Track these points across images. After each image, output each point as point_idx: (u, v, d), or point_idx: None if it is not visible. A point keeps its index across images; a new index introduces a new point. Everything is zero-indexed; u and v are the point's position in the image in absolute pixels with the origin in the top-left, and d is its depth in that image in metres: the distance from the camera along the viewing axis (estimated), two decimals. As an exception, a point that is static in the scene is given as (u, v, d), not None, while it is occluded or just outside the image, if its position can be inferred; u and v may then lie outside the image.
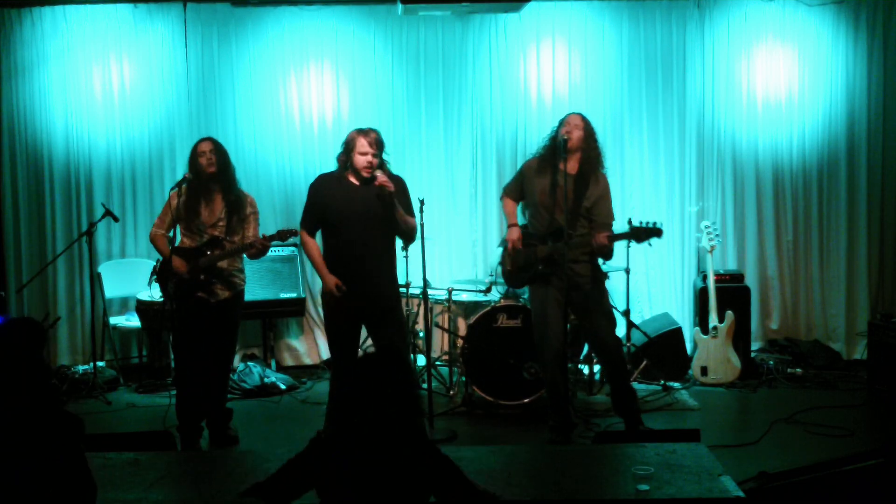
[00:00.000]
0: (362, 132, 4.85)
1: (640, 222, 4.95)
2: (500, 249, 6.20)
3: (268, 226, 6.33)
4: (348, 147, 4.86)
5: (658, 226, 4.91)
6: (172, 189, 5.09)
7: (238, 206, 5.13)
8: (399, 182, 4.97)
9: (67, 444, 2.67)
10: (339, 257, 4.89)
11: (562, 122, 5.17)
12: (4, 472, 2.57)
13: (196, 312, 5.05)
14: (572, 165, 5.08)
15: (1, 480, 2.57)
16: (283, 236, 5.00)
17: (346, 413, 2.65)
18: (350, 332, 4.97)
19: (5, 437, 2.60)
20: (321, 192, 4.93)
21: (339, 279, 4.84)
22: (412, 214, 5.00)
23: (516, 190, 5.30)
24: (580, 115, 5.21)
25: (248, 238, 5.07)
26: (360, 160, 4.81)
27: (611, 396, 5.32)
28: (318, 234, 5.06)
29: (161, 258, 5.17)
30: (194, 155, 5.11)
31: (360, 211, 4.81)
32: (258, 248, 4.99)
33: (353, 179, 4.88)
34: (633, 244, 5.29)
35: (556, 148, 5.09)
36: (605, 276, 5.46)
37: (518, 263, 5.19)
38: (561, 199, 4.93)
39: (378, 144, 4.83)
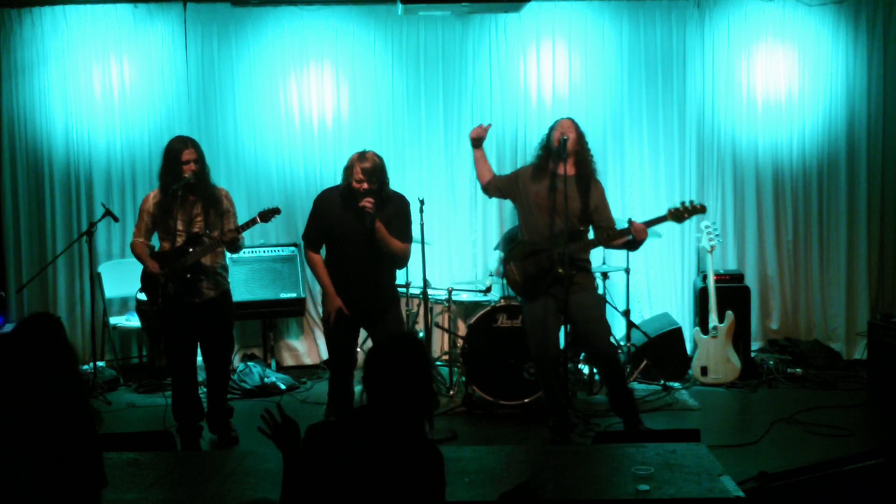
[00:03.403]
0: (361, 157, 4.79)
1: (682, 203, 5.02)
2: (497, 254, 6.20)
3: (269, 225, 6.32)
4: (347, 171, 4.83)
5: (698, 204, 4.99)
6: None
7: (214, 201, 5.10)
8: (399, 203, 4.95)
9: (84, 437, 2.68)
10: (338, 271, 4.94)
11: (553, 128, 5.17)
12: (20, 467, 2.58)
13: (186, 315, 5.02)
14: (569, 168, 5.07)
15: (16, 475, 2.58)
16: (265, 217, 5.00)
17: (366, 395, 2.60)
18: (348, 335, 5.00)
19: (21, 432, 2.62)
20: (323, 209, 4.95)
21: (337, 290, 4.88)
22: (408, 238, 4.97)
23: (503, 179, 5.31)
24: (571, 119, 5.22)
25: (228, 230, 5.03)
26: (355, 186, 4.79)
27: (608, 398, 5.32)
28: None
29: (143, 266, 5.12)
30: (175, 160, 4.98)
31: (357, 231, 4.81)
32: (228, 242, 4.97)
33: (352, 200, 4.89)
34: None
35: (549, 153, 5.09)
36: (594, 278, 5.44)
37: (529, 273, 5.12)
38: (561, 201, 4.92)
39: (373, 173, 4.76)
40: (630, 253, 6.45)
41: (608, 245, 5.12)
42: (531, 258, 5.08)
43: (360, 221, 4.79)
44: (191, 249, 4.99)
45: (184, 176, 4.97)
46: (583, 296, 5.06)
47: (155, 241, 5.18)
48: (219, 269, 5.15)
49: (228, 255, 5.33)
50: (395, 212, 4.90)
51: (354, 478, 2.52)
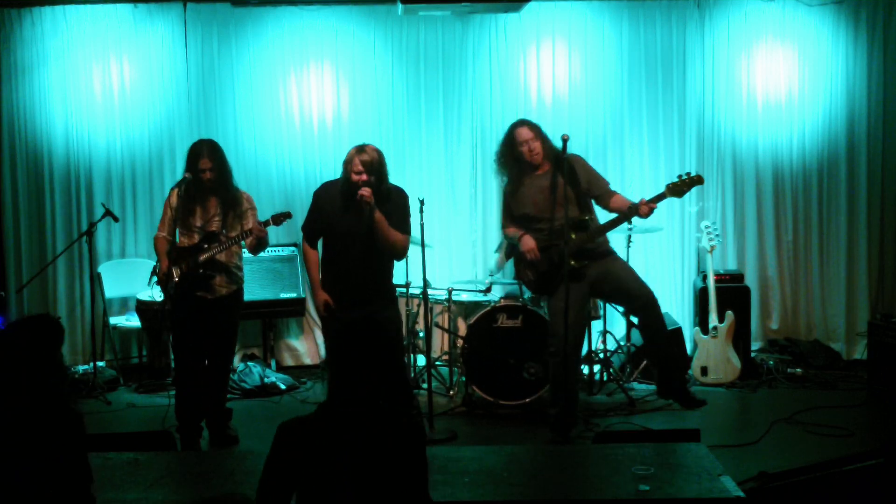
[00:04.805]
0: (360, 150, 4.80)
1: (679, 176, 5.19)
2: (497, 255, 6.24)
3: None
4: (346, 164, 4.82)
5: (694, 175, 5.15)
6: (174, 188, 5.09)
7: (234, 203, 5.14)
8: (398, 197, 4.94)
9: (71, 441, 2.68)
10: (336, 269, 4.94)
11: (512, 142, 5.30)
12: (8, 471, 2.58)
13: (195, 311, 5.06)
14: (546, 169, 5.23)
15: (5, 478, 2.58)
16: (277, 220, 5.04)
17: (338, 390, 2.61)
18: None
19: (12, 435, 2.61)
20: (322, 203, 4.95)
21: (332, 287, 4.89)
22: (406, 230, 4.95)
23: (511, 217, 5.42)
24: (526, 125, 5.33)
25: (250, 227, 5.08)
26: (354, 179, 4.77)
27: (656, 367, 5.56)
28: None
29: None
30: (194, 163, 5.05)
31: (355, 225, 4.81)
32: (255, 236, 5.00)
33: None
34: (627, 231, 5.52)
35: (520, 162, 5.27)
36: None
37: (542, 269, 5.17)
38: (562, 198, 4.99)
39: (371, 165, 4.75)
40: (630, 253, 6.46)
41: (613, 210, 5.25)
42: (542, 254, 5.12)
43: (358, 217, 4.79)
44: (205, 246, 5.04)
45: (185, 175, 5.02)
46: (612, 263, 5.30)
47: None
48: (233, 269, 5.18)
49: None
50: (394, 205, 4.90)
51: (335, 470, 2.52)
